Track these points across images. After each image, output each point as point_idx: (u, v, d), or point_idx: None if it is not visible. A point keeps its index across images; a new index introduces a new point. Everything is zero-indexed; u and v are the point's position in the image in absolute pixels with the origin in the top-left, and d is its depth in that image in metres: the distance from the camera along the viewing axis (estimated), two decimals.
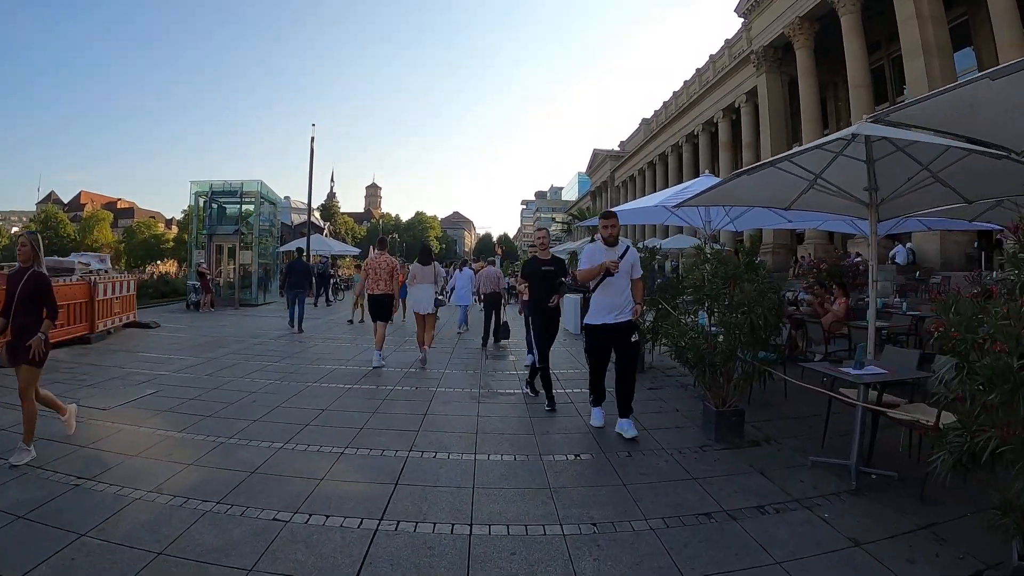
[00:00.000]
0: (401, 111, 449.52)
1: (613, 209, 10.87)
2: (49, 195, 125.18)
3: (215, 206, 25.74)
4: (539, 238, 8.65)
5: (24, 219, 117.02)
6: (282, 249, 33.23)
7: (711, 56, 47.15)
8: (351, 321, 18.75)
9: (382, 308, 11.11)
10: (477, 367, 11.40)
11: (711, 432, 6.58)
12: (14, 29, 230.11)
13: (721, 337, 6.54)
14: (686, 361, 6.76)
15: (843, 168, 7.17)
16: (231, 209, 26.64)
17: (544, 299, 7.90)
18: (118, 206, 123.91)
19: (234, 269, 25.08)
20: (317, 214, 59.79)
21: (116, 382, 9.00)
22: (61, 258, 24.00)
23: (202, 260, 23.85)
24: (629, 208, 13.68)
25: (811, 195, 8.15)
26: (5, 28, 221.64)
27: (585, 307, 7.27)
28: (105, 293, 14.13)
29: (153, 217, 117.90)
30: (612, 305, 6.54)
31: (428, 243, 18.95)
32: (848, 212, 9.17)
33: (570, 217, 66.62)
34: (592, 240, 18.50)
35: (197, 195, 25.24)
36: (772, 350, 7.32)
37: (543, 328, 7.90)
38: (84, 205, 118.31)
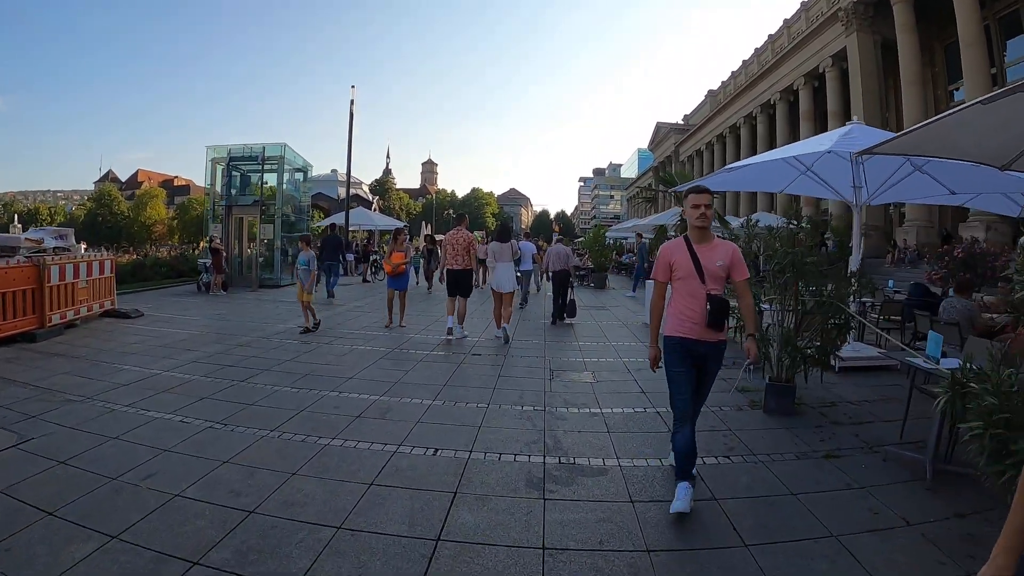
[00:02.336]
0: (458, 88, 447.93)
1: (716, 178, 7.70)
2: (107, 174, 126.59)
3: (237, 174, 22.86)
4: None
5: (80, 197, 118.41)
6: (323, 223, 30.82)
7: (785, 20, 44.06)
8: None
9: (462, 283, 11.10)
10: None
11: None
12: (79, 17, 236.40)
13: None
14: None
15: None
16: (256, 178, 23.74)
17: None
18: (175, 183, 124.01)
19: (255, 245, 22.24)
20: (365, 187, 57.16)
21: None
22: (6, 235, 20.74)
23: (216, 235, 21.04)
24: (742, 166, 10.07)
25: None
26: (73, 16, 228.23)
27: None
28: (62, 277, 11.31)
29: (208, 194, 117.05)
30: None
31: (507, 221, 18.25)
32: None
33: (650, 186, 60.87)
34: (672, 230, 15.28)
35: (214, 161, 22.43)
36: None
37: None
38: (141, 183, 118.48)
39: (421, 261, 21.49)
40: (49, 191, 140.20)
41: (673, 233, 14.94)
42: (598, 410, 6.49)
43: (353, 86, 27.91)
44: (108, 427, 5.72)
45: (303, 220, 24.30)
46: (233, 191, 22.57)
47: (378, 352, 9.61)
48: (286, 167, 22.42)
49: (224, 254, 20.03)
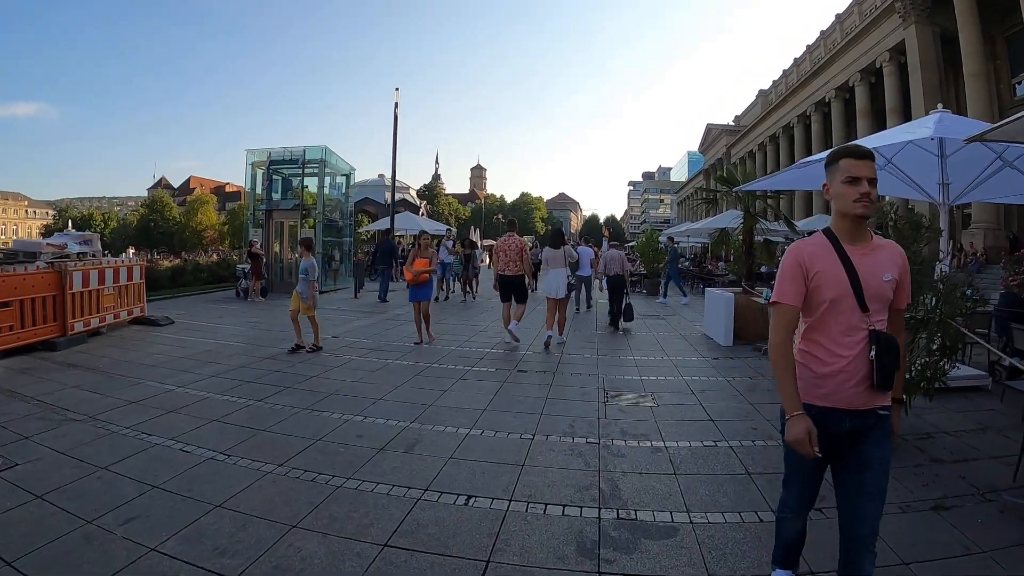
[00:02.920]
0: (507, 93, 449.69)
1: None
2: (160, 180, 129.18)
3: (278, 178, 22.38)
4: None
5: (135, 203, 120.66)
6: (370, 228, 30.61)
7: (838, 15, 42.57)
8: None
9: (516, 288, 11.06)
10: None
11: None
12: (154, 34, 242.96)
13: None
14: None
15: None
16: (297, 182, 23.33)
17: None
18: (226, 190, 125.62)
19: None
20: (412, 192, 56.81)
21: None
22: (28, 240, 20.42)
23: (256, 239, 20.52)
24: (816, 160, 8.85)
25: None
26: (142, 30, 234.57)
27: None
28: (85, 284, 10.83)
29: (249, 199, 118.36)
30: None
31: (559, 225, 17.34)
32: None
33: (709, 186, 57.74)
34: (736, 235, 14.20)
35: (254, 165, 22.02)
36: None
37: None
38: (193, 189, 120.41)
39: (459, 267, 20.51)
40: (104, 198, 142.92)
41: (737, 237, 13.92)
42: (661, 443, 5.54)
43: (397, 88, 27.24)
44: (101, 454, 5.04)
45: (347, 224, 23.73)
46: (275, 195, 22.11)
47: (415, 368, 8.80)
48: (328, 170, 21.88)
49: (263, 259, 19.47)
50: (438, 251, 18.65)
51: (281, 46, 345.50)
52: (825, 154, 7.91)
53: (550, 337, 10.80)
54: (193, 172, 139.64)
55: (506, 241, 11.24)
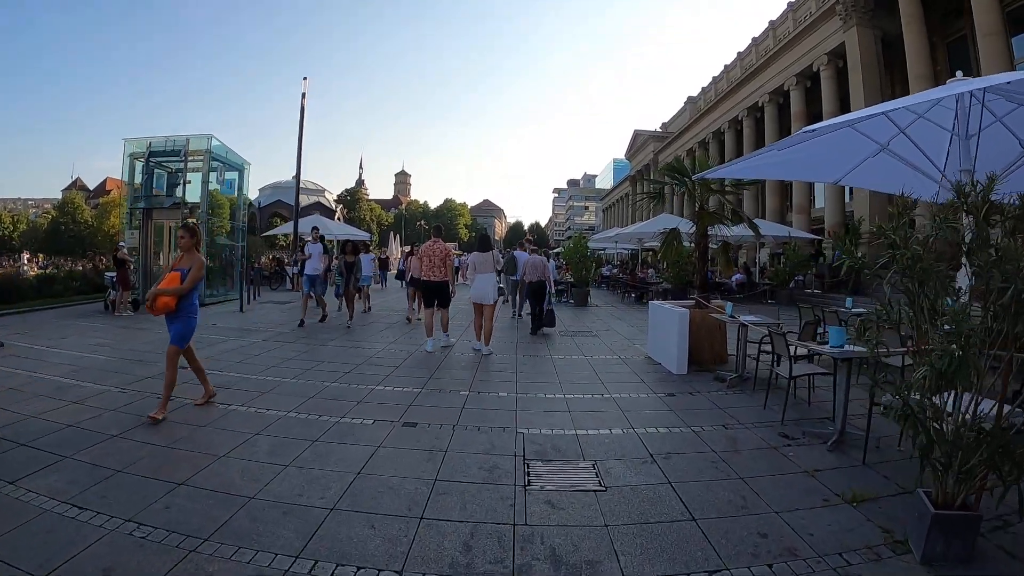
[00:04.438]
0: (432, 98, 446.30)
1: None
2: (75, 181, 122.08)
3: (162, 172, 19.41)
4: None
5: (51, 205, 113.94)
6: (277, 231, 27.79)
7: (771, 22, 41.66)
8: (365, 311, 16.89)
9: (440, 294, 11.04)
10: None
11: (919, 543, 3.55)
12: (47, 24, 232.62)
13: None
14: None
15: None
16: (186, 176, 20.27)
17: None
18: (154, 194, 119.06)
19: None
20: (328, 195, 53.85)
21: None
22: None
23: (122, 243, 17.60)
24: (825, 127, 6.19)
25: None
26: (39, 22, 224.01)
27: None
28: None
29: (124, 196, 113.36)
30: None
31: (485, 230, 16.33)
32: None
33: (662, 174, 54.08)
34: (689, 238, 12.15)
35: (132, 156, 19.07)
36: None
37: None
38: (110, 191, 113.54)
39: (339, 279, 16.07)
40: (19, 199, 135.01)
41: (690, 243, 11.87)
42: None
43: (305, 78, 24.73)
44: None
45: (240, 227, 20.93)
46: (160, 192, 19.20)
47: (257, 420, 6.34)
48: (216, 163, 19.07)
49: (131, 266, 16.63)
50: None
51: (208, 42, 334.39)
52: (837, 119, 5.72)
53: (479, 351, 10.60)
54: (111, 173, 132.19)
55: (431, 247, 11.07)
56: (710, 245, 10.77)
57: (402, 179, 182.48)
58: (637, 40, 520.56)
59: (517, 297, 17.01)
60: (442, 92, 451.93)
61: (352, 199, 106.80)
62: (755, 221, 11.94)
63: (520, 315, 16.44)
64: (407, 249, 17.28)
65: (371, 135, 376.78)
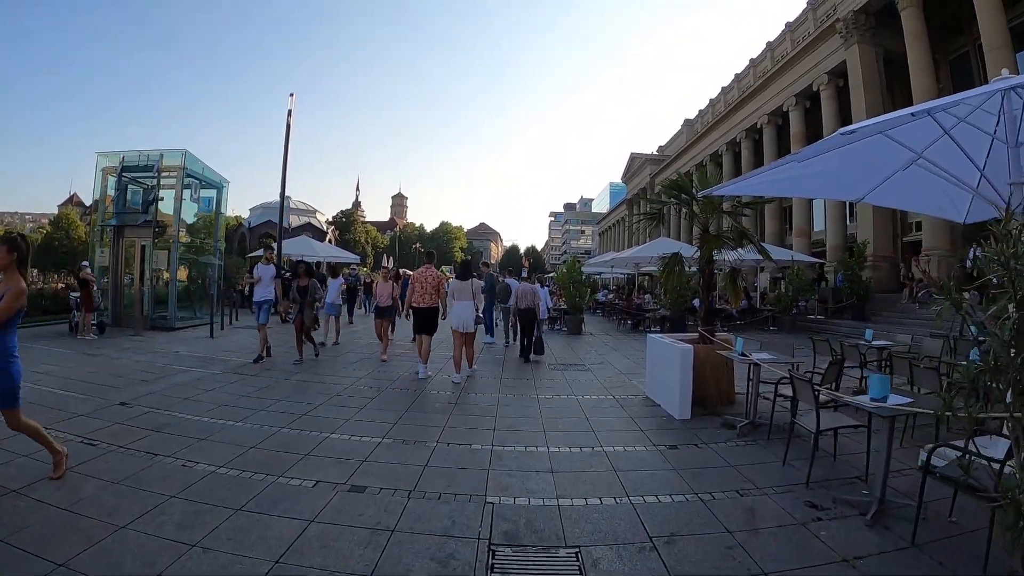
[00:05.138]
0: (430, 122, 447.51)
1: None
2: (71, 197, 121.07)
3: (138, 188, 18.45)
4: None
5: (43, 221, 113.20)
6: (256, 254, 27.10)
7: (769, 43, 41.33)
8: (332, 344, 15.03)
9: (428, 321, 10.92)
10: None
11: None
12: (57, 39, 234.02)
13: None
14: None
15: None
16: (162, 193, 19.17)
17: None
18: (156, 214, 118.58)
19: (146, 276, 17.67)
20: (320, 217, 52.79)
21: None
22: None
23: (86, 263, 16.56)
24: (862, 126, 5.10)
25: None
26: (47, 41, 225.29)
27: None
28: None
29: (95, 212, 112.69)
30: None
31: (467, 258, 17.65)
32: None
33: (659, 195, 52.57)
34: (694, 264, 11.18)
35: (104, 171, 18.15)
36: None
37: None
38: (107, 208, 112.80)
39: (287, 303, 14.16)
40: (17, 213, 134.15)
41: (690, 268, 10.80)
42: None
43: (292, 94, 23.75)
44: None
45: (215, 247, 19.93)
46: (135, 209, 18.21)
47: (166, 479, 5.23)
48: (191, 180, 18.09)
49: (95, 287, 15.59)
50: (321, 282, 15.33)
51: (203, 60, 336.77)
52: (869, 124, 4.67)
53: (464, 374, 10.71)
54: (110, 190, 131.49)
55: (423, 273, 11.03)
56: (715, 271, 9.70)
57: (398, 201, 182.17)
58: (635, 64, 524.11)
59: (509, 326, 16.47)
60: (439, 116, 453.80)
61: (347, 221, 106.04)
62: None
63: (510, 342, 16.16)
64: (384, 271, 14.85)
65: (368, 159, 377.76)
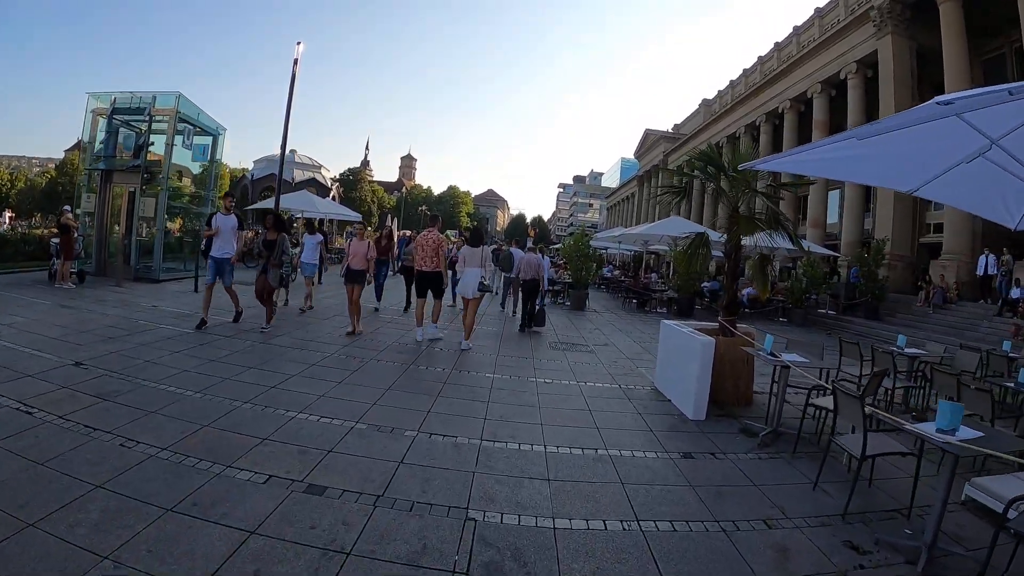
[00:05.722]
0: (443, 85, 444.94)
1: None
2: (77, 143, 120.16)
3: (131, 132, 17.39)
4: None
5: (50, 166, 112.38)
6: (256, 207, 26.22)
7: (796, 28, 40.16)
8: (302, 310, 13.23)
9: (432, 284, 10.78)
10: None
11: None
12: None
13: None
14: None
15: None
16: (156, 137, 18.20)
17: None
18: (148, 158, 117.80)
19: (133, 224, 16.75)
20: (325, 172, 51.83)
21: None
22: None
23: (67, 207, 15.67)
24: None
25: None
26: None
27: None
28: None
29: (180, 171, 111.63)
30: None
31: (480, 224, 14.81)
32: None
33: (682, 169, 51.01)
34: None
35: (95, 112, 17.24)
36: None
37: None
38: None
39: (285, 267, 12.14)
40: (24, 157, 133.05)
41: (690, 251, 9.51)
42: None
43: (299, 43, 22.60)
44: None
45: (208, 196, 19.11)
46: (126, 153, 17.27)
47: (120, 476, 4.42)
48: (184, 125, 17.18)
49: (76, 233, 14.73)
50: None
51: (229, 14, 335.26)
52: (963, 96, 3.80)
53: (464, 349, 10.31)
54: (100, 132, 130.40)
55: (425, 236, 10.87)
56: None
57: (407, 163, 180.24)
58: (650, 39, 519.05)
59: (510, 295, 16.56)
60: (454, 83, 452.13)
61: (354, 179, 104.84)
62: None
63: (514, 313, 15.99)
64: (359, 229, 13.10)
65: (381, 119, 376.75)
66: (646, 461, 5.45)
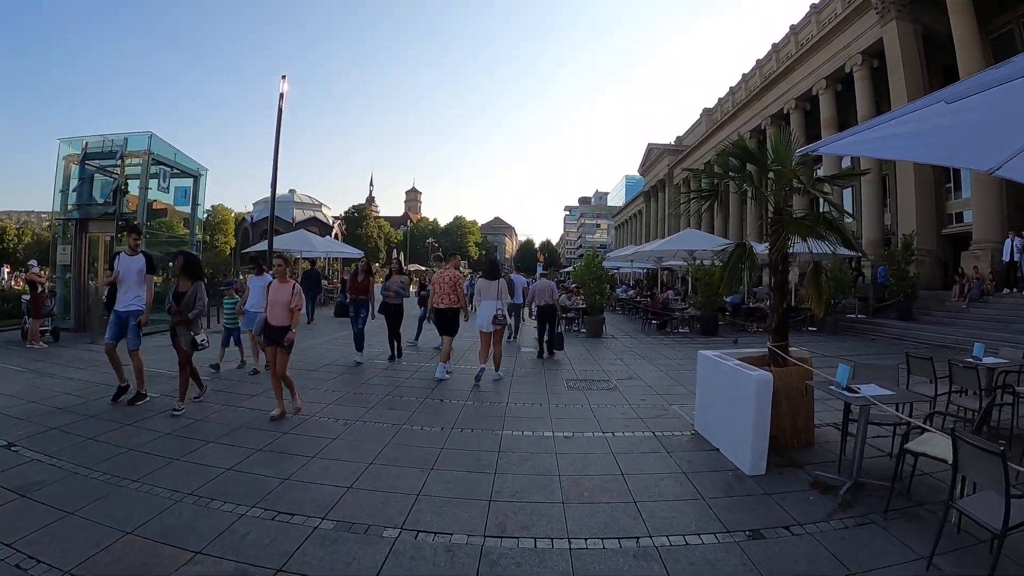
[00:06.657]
0: (445, 117, 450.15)
1: None
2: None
3: (108, 179, 16.35)
4: None
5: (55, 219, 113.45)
6: (248, 251, 25.21)
7: (792, 27, 39.65)
8: (255, 370, 10.80)
9: (447, 322, 10.63)
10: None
11: None
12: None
13: None
14: None
15: None
16: (130, 184, 17.09)
17: None
18: (154, 207, 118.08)
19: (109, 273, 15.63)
20: (326, 211, 50.96)
21: None
22: None
23: (33, 262, 14.58)
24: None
25: None
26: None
27: None
28: None
29: (186, 219, 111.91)
30: None
31: (495, 257, 15.04)
32: None
33: (708, 165, 48.86)
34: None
35: (67, 159, 16.23)
36: None
37: None
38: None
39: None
40: (33, 212, 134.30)
41: (725, 262, 7.67)
42: None
43: (284, 76, 21.82)
44: None
45: (192, 242, 18.06)
46: (100, 201, 16.20)
47: None
48: (160, 167, 16.15)
49: (44, 289, 13.62)
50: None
51: (232, 59, 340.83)
52: None
53: (483, 371, 10.35)
54: (73, 180, 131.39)
55: (441, 274, 10.89)
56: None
57: (412, 196, 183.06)
58: (648, 57, 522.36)
59: (512, 321, 16.21)
60: (455, 112, 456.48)
61: (359, 216, 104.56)
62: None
63: (513, 338, 16.38)
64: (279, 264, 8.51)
65: (384, 154, 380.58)
66: (705, 552, 4.05)
